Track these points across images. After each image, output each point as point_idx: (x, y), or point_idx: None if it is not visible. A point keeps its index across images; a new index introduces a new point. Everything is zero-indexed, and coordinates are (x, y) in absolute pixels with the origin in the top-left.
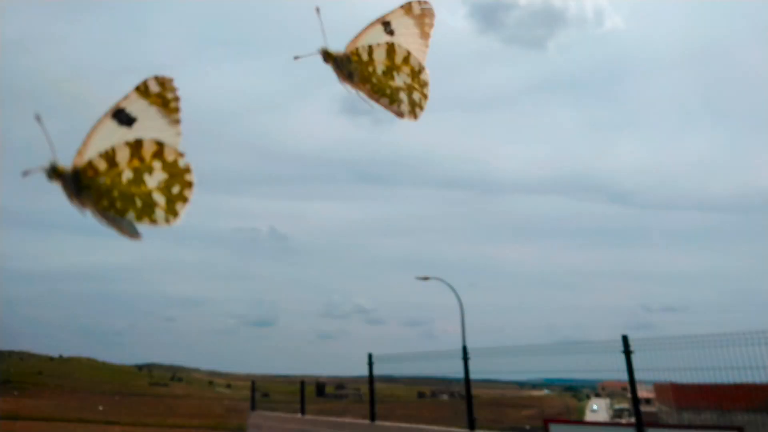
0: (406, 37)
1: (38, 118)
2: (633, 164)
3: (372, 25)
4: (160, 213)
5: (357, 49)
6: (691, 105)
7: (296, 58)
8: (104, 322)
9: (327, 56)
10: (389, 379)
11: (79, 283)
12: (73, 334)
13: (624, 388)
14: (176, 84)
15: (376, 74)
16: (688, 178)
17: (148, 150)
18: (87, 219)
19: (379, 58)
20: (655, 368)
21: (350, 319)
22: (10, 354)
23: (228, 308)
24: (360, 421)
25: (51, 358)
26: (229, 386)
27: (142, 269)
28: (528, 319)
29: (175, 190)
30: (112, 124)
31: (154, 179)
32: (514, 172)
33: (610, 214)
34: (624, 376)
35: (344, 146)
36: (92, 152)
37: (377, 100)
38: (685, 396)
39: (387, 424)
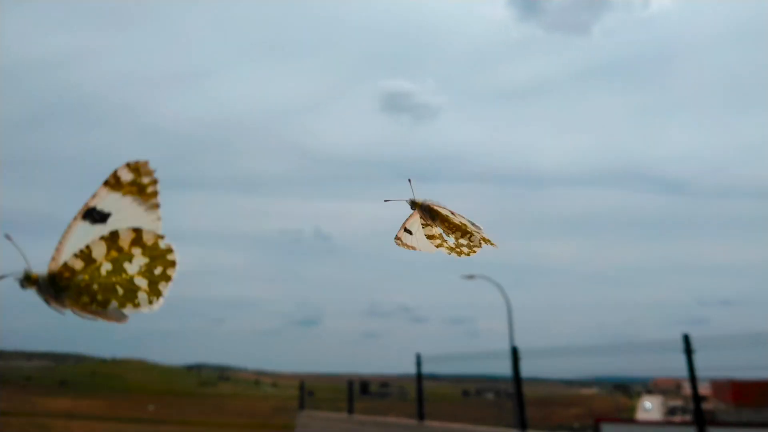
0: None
1: (8, 237)
2: (684, 151)
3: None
4: (143, 296)
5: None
6: (744, 86)
7: (386, 201)
8: (155, 324)
9: (414, 204)
10: (433, 378)
11: None
12: (125, 336)
13: (678, 386)
14: (152, 166)
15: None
16: (743, 163)
17: (125, 239)
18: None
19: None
20: (713, 367)
21: (393, 318)
22: (66, 357)
23: (274, 308)
24: (408, 420)
25: (104, 360)
26: (275, 385)
27: (192, 273)
28: (576, 316)
29: (158, 271)
30: (84, 225)
31: (135, 265)
32: (559, 163)
33: (661, 204)
34: (678, 373)
35: (385, 144)
36: (67, 254)
37: (452, 234)
38: (745, 394)
39: (436, 424)
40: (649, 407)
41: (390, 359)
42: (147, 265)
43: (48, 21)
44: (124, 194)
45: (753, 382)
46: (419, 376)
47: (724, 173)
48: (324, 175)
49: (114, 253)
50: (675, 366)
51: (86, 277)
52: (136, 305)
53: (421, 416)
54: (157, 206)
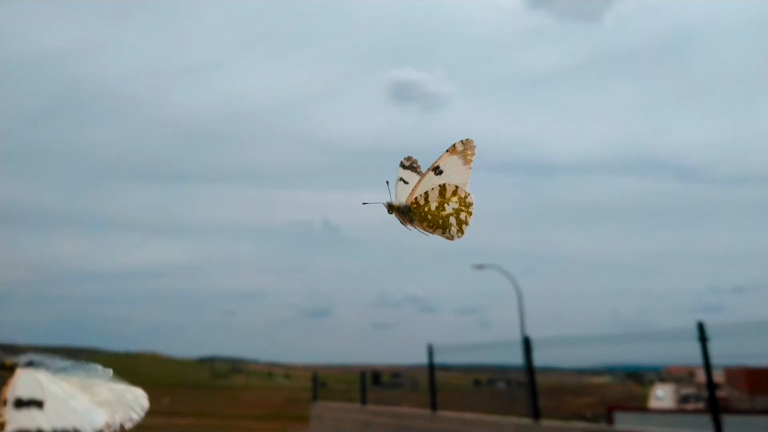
0: (452, 170)
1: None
2: (699, 138)
3: (425, 174)
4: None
5: (416, 198)
6: (760, 73)
7: (364, 203)
8: (167, 317)
9: (391, 208)
10: (444, 367)
11: (144, 281)
12: (139, 330)
13: (691, 374)
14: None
15: (431, 211)
16: (759, 151)
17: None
18: (151, 222)
19: (433, 197)
20: (727, 354)
21: (404, 308)
22: (80, 351)
23: (285, 300)
24: (421, 410)
25: (118, 354)
26: (287, 377)
27: (203, 266)
28: (588, 304)
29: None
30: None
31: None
32: (571, 152)
33: (676, 191)
34: (691, 361)
35: (393, 134)
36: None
37: (432, 232)
38: (759, 381)
39: (449, 414)
40: (662, 395)
41: (401, 350)
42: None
43: (55, 13)
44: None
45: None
46: (431, 367)
47: (739, 160)
48: (332, 166)
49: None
50: (688, 354)
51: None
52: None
53: (433, 406)
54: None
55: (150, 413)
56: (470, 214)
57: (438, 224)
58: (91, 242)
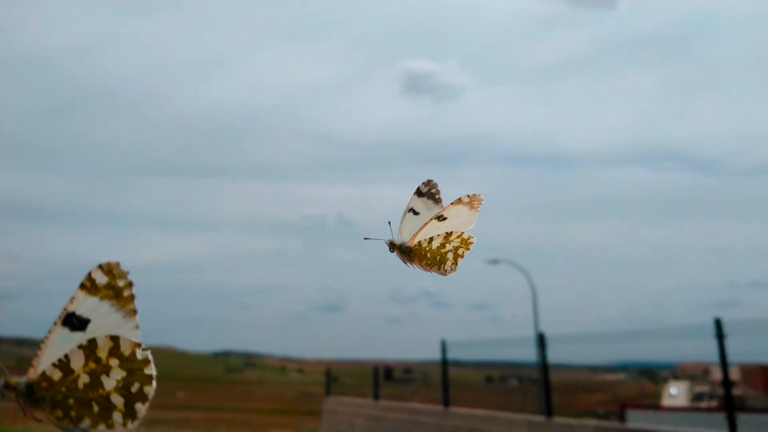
0: (457, 216)
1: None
2: (717, 129)
3: (428, 222)
4: (117, 416)
5: (420, 243)
6: None
7: (366, 239)
8: (183, 312)
9: (392, 246)
10: (456, 364)
11: (159, 276)
12: (154, 324)
13: (705, 371)
14: (124, 268)
15: (432, 250)
16: None
17: (103, 348)
18: (167, 217)
19: (437, 241)
20: (743, 352)
21: (416, 303)
22: None
23: (298, 295)
24: (434, 407)
25: None
26: (300, 371)
27: (219, 260)
28: (602, 300)
29: (134, 388)
30: (64, 331)
31: (112, 379)
32: (585, 143)
33: (692, 184)
34: (705, 358)
35: (406, 128)
36: (45, 363)
37: (429, 269)
38: None
39: (461, 410)
40: (675, 393)
41: (413, 345)
42: (124, 379)
43: (70, 11)
44: (101, 299)
45: None
46: (444, 363)
47: (757, 151)
48: (345, 160)
49: (92, 364)
50: (703, 351)
51: (63, 389)
52: (110, 425)
53: (446, 402)
54: (134, 312)
55: (164, 407)
56: (468, 249)
57: (435, 261)
58: (107, 236)
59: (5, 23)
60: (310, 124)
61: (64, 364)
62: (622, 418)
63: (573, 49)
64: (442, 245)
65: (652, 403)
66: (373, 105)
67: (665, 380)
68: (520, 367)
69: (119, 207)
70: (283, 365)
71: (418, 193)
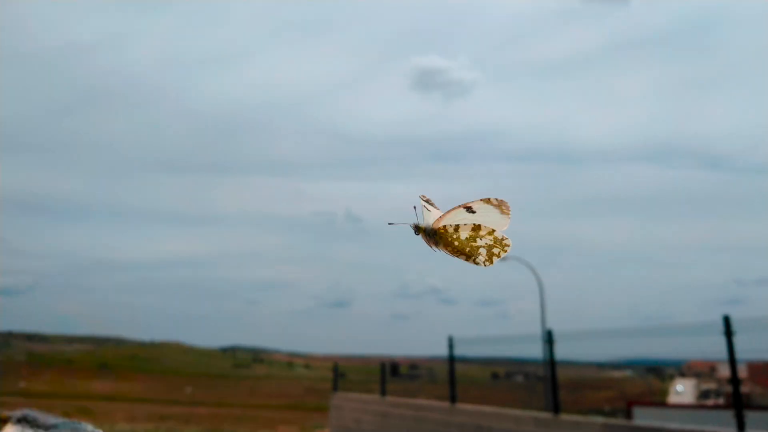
0: (487, 215)
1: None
2: (727, 126)
3: (454, 209)
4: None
5: (444, 226)
6: None
7: (390, 224)
8: (191, 307)
9: (418, 229)
10: (462, 360)
11: (169, 271)
12: (163, 319)
13: (712, 368)
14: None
15: (460, 240)
16: None
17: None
18: (177, 212)
19: (465, 230)
20: (750, 349)
21: (423, 300)
22: (107, 340)
23: (306, 291)
24: (441, 403)
25: (143, 344)
26: (307, 367)
27: (226, 256)
28: (609, 297)
29: (495, 251)
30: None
31: (483, 242)
32: (595, 140)
33: (702, 180)
34: (712, 355)
35: (416, 124)
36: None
37: (457, 257)
38: None
39: (468, 407)
40: (682, 390)
41: (418, 341)
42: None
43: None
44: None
45: None
46: (451, 359)
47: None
48: (355, 157)
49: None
50: (709, 348)
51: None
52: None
53: (453, 399)
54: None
55: (172, 403)
56: (505, 251)
57: (464, 251)
58: (118, 233)
59: (16, 20)
60: (321, 120)
61: (456, 227)
62: (628, 415)
63: (584, 44)
64: (472, 238)
65: (659, 401)
66: (383, 101)
67: (671, 377)
68: (526, 363)
69: (129, 203)
70: (291, 361)
71: (422, 199)
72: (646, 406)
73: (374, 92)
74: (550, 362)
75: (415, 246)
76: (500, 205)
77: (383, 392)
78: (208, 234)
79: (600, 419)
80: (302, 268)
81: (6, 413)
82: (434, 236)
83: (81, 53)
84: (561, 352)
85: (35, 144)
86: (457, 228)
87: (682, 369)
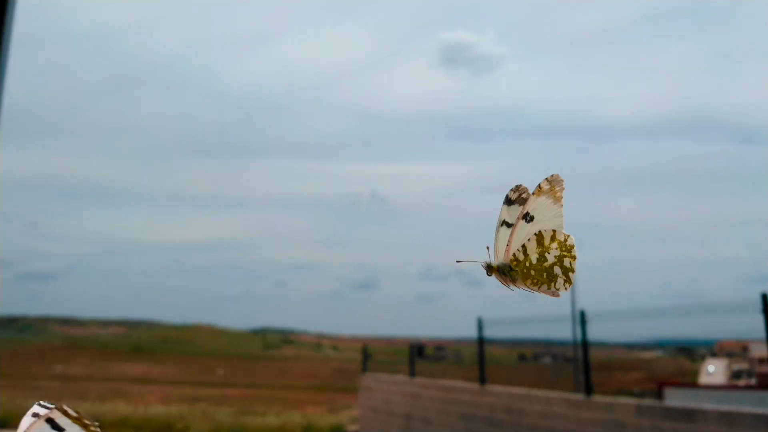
0: (544, 214)
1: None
2: (761, 98)
3: (516, 224)
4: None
5: (514, 255)
6: None
7: (458, 261)
8: (222, 290)
9: (490, 269)
10: (489, 341)
11: (199, 254)
12: (195, 302)
13: (744, 348)
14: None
15: (533, 265)
16: None
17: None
18: (207, 195)
19: (531, 249)
20: None
21: (449, 281)
22: (140, 324)
23: (333, 272)
24: (470, 384)
25: (175, 327)
26: (335, 348)
27: (255, 238)
28: (639, 276)
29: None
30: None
31: (552, 257)
32: (624, 114)
33: (736, 155)
34: (745, 334)
35: (442, 101)
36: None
37: (537, 290)
38: None
39: (497, 388)
40: (713, 371)
41: (444, 323)
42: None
43: None
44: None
45: None
46: (481, 340)
47: None
48: (381, 136)
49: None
50: (741, 328)
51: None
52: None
53: (482, 380)
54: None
55: (204, 384)
56: (574, 258)
57: (543, 279)
58: (149, 216)
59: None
60: (346, 101)
61: (524, 249)
62: (659, 396)
63: (615, 16)
64: (542, 257)
65: (689, 382)
66: (409, 79)
67: (702, 358)
68: (554, 345)
69: (160, 187)
70: (319, 342)
71: (507, 201)
72: (678, 387)
73: (400, 70)
74: (583, 343)
75: (440, 227)
76: (552, 188)
77: (412, 373)
78: (236, 217)
79: (633, 400)
80: (328, 250)
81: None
82: (509, 273)
83: (110, 37)
84: (591, 332)
85: (67, 128)
86: (525, 250)
87: (713, 349)
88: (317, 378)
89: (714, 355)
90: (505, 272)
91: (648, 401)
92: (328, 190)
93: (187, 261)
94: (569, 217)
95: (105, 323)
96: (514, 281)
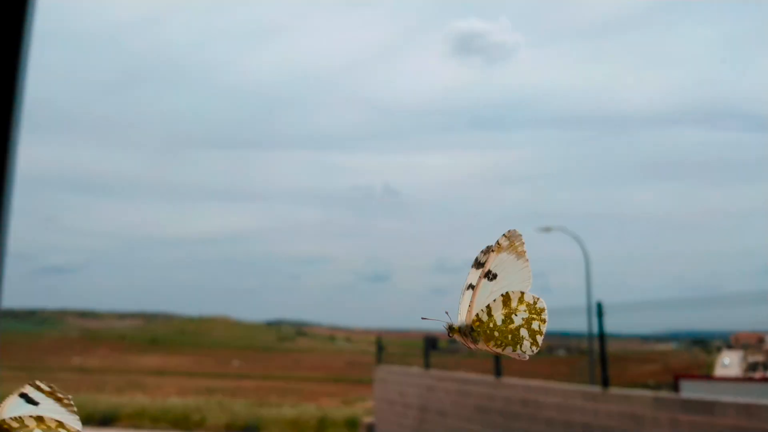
0: (507, 271)
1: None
2: None
3: (478, 283)
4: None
5: (476, 315)
6: None
7: (423, 318)
8: (237, 282)
9: (451, 330)
10: None
11: (213, 247)
12: (210, 295)
13: (760, 340)
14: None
15: (498, 327)
16: None
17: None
18: (221, 189)
19: (497, 309)
20: None
21: (463, 273)
22: (156, 316)
23: (346, 265)
24: (485, 377)
25: (191, 319)
26: (348, 340)
27: (271, 231)
28: (654, 266)
29: (535, 325)
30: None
31: (519, 318)
32: (641, 102)
33: (754, 143)
34: (760, 326)
35: (456, 91)
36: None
37: (502, 351)
38: None
39: (514, 380)
40: (728, 363)
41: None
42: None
43: None
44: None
45: None
46: None
47: None
48: (393, 127)
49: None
50: (756, 320)
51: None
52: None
53: (498, 373)
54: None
55: (220, 376)
56: (544, 321)
57: (507, 341)
58: (164, 209)
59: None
60: (358, 92)
61: (489, 309)
62: (675, 388)
63: (630, 1)
64: (509, 318)
65: (704, 374)
66: (421, 69)
67: (718, 350)
68: (568, 337)
69: (175, 180)
70: (332, 334)
71: (477, 264)
72: (693, 379)
73: (412, 60)
74: (600, 335)
75: (454, 219)
76: (512, 244)
77: (427, 365)
78: (249, 209)
79: (650, 393)
80: (341, 242)
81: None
82: (471, 333)
83: (123, 32)
84: (606, 324)
85: (83, 123)
86: (489, 311)
87: (729, 341)
88: (331, 369)
89: (729, 347)
90: (466, 333)
91: (666, 393)
92: (341, 183)
93: (201, 253)
94: (585, 208)
95: (122, 316)
96: (475, 342)
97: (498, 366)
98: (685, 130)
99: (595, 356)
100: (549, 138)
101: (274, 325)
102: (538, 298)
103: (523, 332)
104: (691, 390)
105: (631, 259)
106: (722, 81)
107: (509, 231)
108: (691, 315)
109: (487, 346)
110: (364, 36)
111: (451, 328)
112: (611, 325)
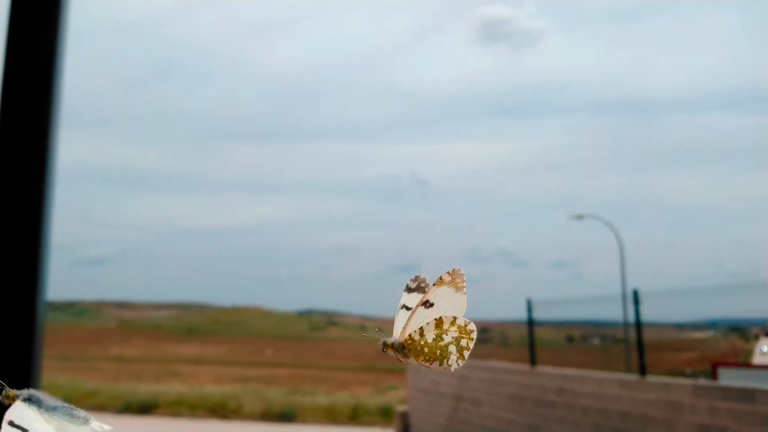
0: (445, 300)
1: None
2: None
3: (415, 311)
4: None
5: (410, 335)
6: None
7: (364, 335)
8: (269, 272)
9: (386, 346)
10: (536, 323)
11: (245, 239)
12: (243, 285)
13: None
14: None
15: (428, 344)
16: None
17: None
18: (252, 181)
19: (429, 331)
20: None
21: (493, 262)
22: (192, 306)
23: (375, 255)
24: (520, 366)
25: (225, 309)
26: (380, 330)
27: (301, 222)
28: (690, 253)
29: (464, 342)
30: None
31: (449, 337)
32: (673, 87)
33: None
34: None
35: (482, 79)
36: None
37: (430, 365)
38: None
39: (548, 369)
40: (766, 350)
41: (489, 305)
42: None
43: None
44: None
45: None
46: (530, 322)
47: None
48: (420, 116)
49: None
50: None
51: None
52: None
53: (533, 361)
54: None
55: (255, 365)
56: (472, 339)
57: (435, 356)
58: (196, 201)
59: None
60: (384, 80)
61: (421, 331)
62: (713, 376)
63: None
64: (439, 337)
65: (742, 362)
66: (447, 57)
67: (756, 337)
68: (603, 326)
69: (206, 172)
70: (363, 324)
71: (408, 289)
72: (731, 367)
73: (437, 48)
74: (636, 323)
75: (482, 208)
76: (453, 280)
77: None
78: (279, 200)
79: (688, 381)
80: (370, 232)
81: (14, 392)
82: (403, 350)
83: (151, 26)
84: (642, 312)
85: (115, 117)
86: (422, 332)
87: (766, 328)
88: (363, 359)
89: (767, 334)
90: (398, 349)
91: (704, 381)
92: (369, 173)
93: (234, 244)
94: (617, 195)
95: (158, 306)
96: (406, 357)
97: (533, 355)
98: (717, 114)
99: (631, 344)
100: (578, 124)
101: (305, 315)
102: (469, 322)
103: (452, 348)
104: (729, 378)
105: (665, 247)
106: (755, 64)
107: (453, 270)
108: (729, 302)
109: (417, 360)
110: (388, 24)
111: (385, 344)
112: (647, 313)
